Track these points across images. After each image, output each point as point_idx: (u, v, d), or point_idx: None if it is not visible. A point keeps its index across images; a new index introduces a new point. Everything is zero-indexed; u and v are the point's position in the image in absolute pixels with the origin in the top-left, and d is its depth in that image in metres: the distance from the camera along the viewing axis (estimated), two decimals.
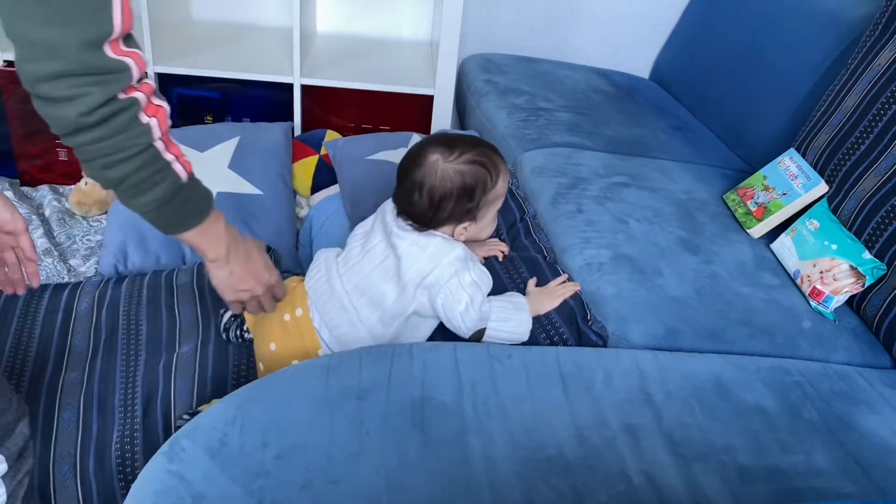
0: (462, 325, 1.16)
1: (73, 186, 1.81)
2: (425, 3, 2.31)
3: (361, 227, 1.27)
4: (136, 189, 0.83)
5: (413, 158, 1.17)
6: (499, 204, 1.23)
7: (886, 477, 1.00)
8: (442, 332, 1.23)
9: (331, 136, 1.97)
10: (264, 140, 1.84)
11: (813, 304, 1.35)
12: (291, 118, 2.09)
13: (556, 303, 1.26)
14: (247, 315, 1.26)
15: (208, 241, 0.95)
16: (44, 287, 1.41)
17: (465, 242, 1.21)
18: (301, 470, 0.88)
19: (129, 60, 0.76)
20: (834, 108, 1.52)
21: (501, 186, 1.20)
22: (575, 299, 1.30)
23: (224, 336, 1.29)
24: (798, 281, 1.40)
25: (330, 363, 1.06)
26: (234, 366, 1.24)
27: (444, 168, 1.15)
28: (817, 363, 1.23)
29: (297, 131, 2.11)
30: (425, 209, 1.16)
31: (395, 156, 1.79)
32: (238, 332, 1.28)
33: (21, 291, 1.01)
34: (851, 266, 1.32)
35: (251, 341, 1.27)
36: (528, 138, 1.84)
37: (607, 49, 2.44)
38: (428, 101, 2.08)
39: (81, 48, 0.72)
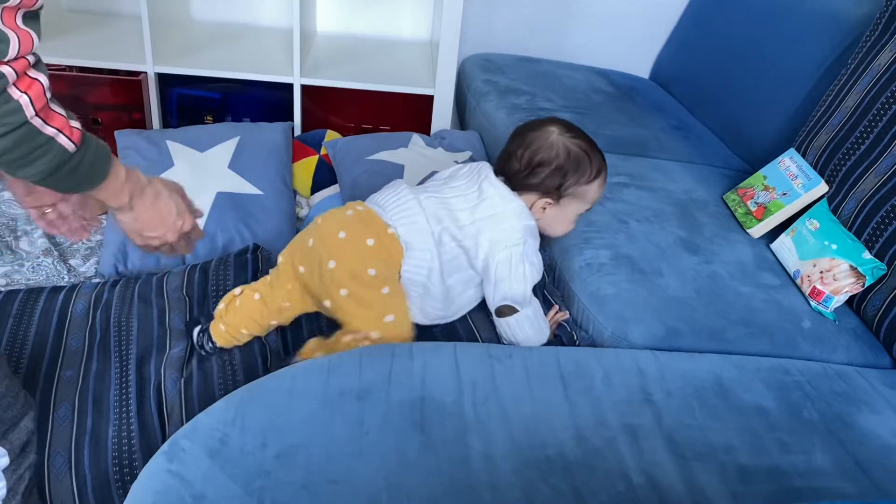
0: (512, 289, 1.20)
1: None
2: (425, 3, 2.31)
3: (444, 174, 1.32)
4: (16, 164, 0.78)
5: (531, 124, 1.25)
6: (584, 206, 1.28)
7: (886, 477, 1.00)
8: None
9: (331, 136, 1.97)
10: (264, 140, 1.84)
11: (813, 304, 1.36)
12: (291, 118, 2.09)
13: (548, 335, 1.28)
14: (221, 316, 1.26)
15: (107, 195, 0.91)
16: (40, 290, 1.41)
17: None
18: (301, 470, 0.88)
19: (12, 34, 0.70)
20: (834, 108, 1.52)
21: (595, 190, 1.26)
22: (561, 329, 1.32)
23: (199, 349, 1.27)
24: (798, 281, 1.40)
25: (330, 363, 1.06)
26: (217, 360, 1.25)
27: (556, 138, 1.23)
28: (817, 363, 1.23)
29: (297, 131, 2.11)
30: (520, 168, 1.23)
31: (395, 156, 1.79)
32: (210, 345, 1.26)
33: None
34: (851, 266, 1.32)
35: (218, 349, 1.26)
36: None
37: (607, 49, 2.44)
38: (428, 101, 2.08)
39: None
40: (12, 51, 0.71)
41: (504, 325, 1.24)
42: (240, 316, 1.26)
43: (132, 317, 1.34)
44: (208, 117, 2.15)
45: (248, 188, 1.70)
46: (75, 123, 0.80)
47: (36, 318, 1.34)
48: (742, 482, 0.95)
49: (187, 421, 1.14)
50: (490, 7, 2.36)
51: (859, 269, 1.31)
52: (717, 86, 2.07)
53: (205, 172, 1.71)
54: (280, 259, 1.28)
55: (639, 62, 2.45)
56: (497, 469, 0.91)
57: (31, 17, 0.73)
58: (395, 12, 2.34)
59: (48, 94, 0.77)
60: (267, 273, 1.34)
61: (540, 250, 1.36)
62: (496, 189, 1.23)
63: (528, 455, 0.94)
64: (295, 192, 1.87)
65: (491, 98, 2.04)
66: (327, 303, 1.21)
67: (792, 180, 1.51)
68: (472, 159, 1.86)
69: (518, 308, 1.22)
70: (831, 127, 1.51)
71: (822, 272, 1.35)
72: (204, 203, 1.65)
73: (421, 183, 1.30)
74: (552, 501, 0.88)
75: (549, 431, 0.98)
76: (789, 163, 1.55)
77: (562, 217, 1.28)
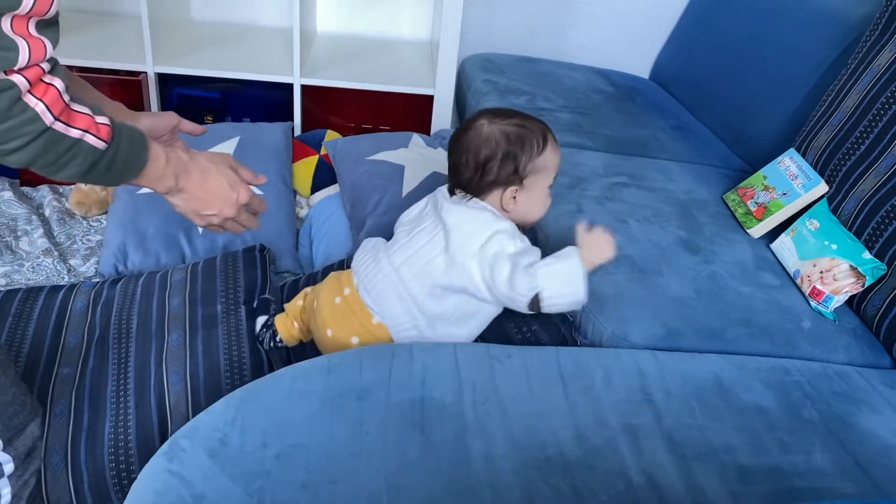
0: (512, 293, 1.12)
1: (72, 186, 1.82)
2: (425, 3, 2.31)
3: (407, 216, 1.29)
4: (50, 169, 0.78)
5: (462, 127, 1.21)
6: (549, 178, 1.21)
7: (886, 477, 1.00)
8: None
9: (331, 136, 1.97)
10: (264, 140, 1.84)
11: (813, 304, 1.35)
12: (291, 118, 2.10)
13: (612, 251, 1.17)
14: (298, 314, 1.27)
15: (150, 181, 0.90)
16: (40, 289, 1.41)
17: (519, 225, 1.20)
18: (301, 470, 0.88)
19: (22, 42, 0.69)
20: (834, 108, 1.52)
21: (551, 157, 1.20)
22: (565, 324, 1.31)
23: (259, 345, 1.28)
24: (798, 281, 1.40)
25: (330, 363, 1.06)
26: (224, 354, 1.25)
27: (488, 129, 1.17)
28: (817, 363, 1.23)
29: (297, 131, 2.11)
30: (471, 174, 1.18)
31: (395, 156, 1.79)
32: (272, 342, 1.27)
33: None
34: (851, 266, 1.32)
35: (286, 348, 1.28)
36: None
37: (607, 49, 2.44)
38: (428, 101, 2.08)
39: None
40: (22, 59, 0.70)
41: (548, 310, 1.16)
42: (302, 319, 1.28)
43: (133, 313, 1.34)
44: (208, 117, 2.15)
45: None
46: (102, 119, 0.80)
47: (35, 316, 1.34)
48: (742, 482, 0.95)
49: (193, 412, 1.14)
50: (490, 7, 2.36)
51: (859, 269, 1.31)
52: (717, 86, 2.07)
53: None
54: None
55: (639, 62, 2.45)
56: (497, 469, 0.91)
57: (46, 25, 0.72)
58: (395, 12, 2.34)
59: (65, 98, 0.76)
60: (270, 272, 1.35)
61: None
62: (456, 212, 1.18)
63: (528, 455, 0.94)
64: (295, 192, 1.87)
65: (491, 98, 2.04)
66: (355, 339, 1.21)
67: (792, 180, 1.51)
68: None
69: (536, 292, 1.14)
70: (831, 127, 1.51)
71: (822, 272, 1.35)
72: None
73: (392, 237, 1.27)
74: (552, 501, 0.88)
75: (549, 431, 0.98)
76: (789, 163, 1.55)
77: (533, 199, 1.21)
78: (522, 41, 2.42)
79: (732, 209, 1.61)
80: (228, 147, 1.78)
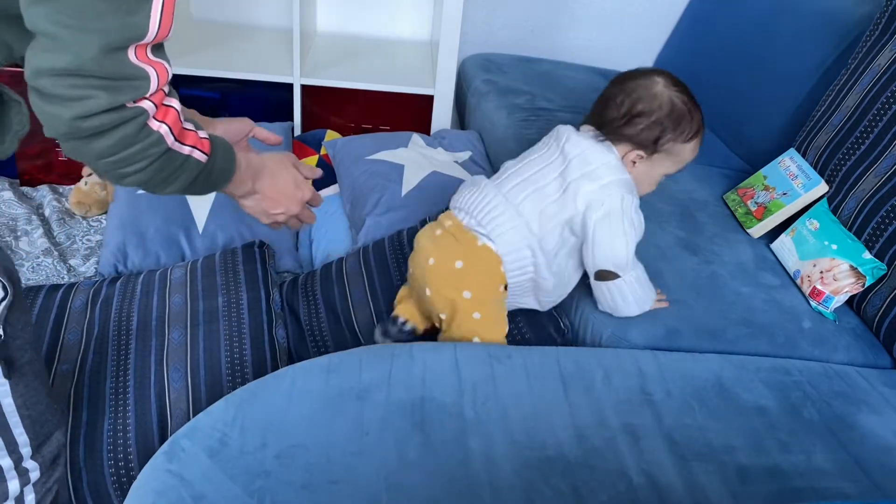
0: (613, 250, 1.14)
1: (72, 186, 1.82)
2: (425, 3, 2.31)
3: (520, 157, 1.26)
4: (160, 186, 0.81)
5: (636, 73, 1.19)
6: (673, 167, 1.22)
7: (886, 477, 1.00)
8: None
9: (331, 136, 1.97)
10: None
11: (813, 304, 1.35)
12: (291, 118, 2.09)
13: (651, 304, 1.24)
14: (409, 294, 1.28)
15: (234, 186, 0.94)
16: (39, 288, 1.41)
17: None
18: (301, 470, 0.88)
19: (150, 70, 0.71)
20: (834, 108, 1.52)
21: (689, 151, 1.20)
22: (545, 312, 1.31)
23: (387, 338, 1.28)
24: (798, 281, 1.40)
25: (330, 363, 1.06)
26: (225, 351, 1.25)
27: (660, 89, 1.16)
28: (817, 363, 1.23)
29: (297, 131, 2.11)
30: (617, 117, 1.16)
31: (395, 155, 1.79)
32: (401, 331, 1.26)
33: None
34: (851, 266, 1.32)
35: (412, 331, 1.27)
36: (527, 138, 1.84)
37: (607, 49, 2.44)
38: (428, 101, 2.08)
39: (103, 49, 0.66)
40: (153, 85, 0.72)
41: (604, 290, 1.19)
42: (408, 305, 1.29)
43: (133, 311, 1.34)
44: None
45: None
46: (203, 134, 0.83)
47: (34, 314, 1.34)
48: (742, 482, 0.95)
49: (194, 409, 1.14)
50: (490, 7, 2.36)
51: (859, 269, 1.31)
52: (718, 86, 2.06)
53: None
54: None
55: (639, 62, 2.44)
56: (497, 469, 0.91)
57: (158, 48, 0.73)
58: (395, 12, 2.34)
59: (182, 118, 0.79)
60: (270, 267, 1.37)
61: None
62: (580, 147, 1.16)
63: (528, 455, 0.94)
64: None
65: (491, 98, 2.03)
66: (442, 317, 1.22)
67: (792, 180, 1.51)
68: (471, 159, 1.86)
69: (620, 273, 1.16)
70: (831, 127, 1.50)
71: (822, 272, 1.35)
72: (204, 203, 1.65)
73: (497, 171, 1.27)
74: (552, 501, 0.88)
75: (549, 431, 0.98)
76: (789, 163, 1.54)
77: (649, 175, 1.21)
78: (522, 41, 2.42)
79: (732, 209, 1.61)
80: None
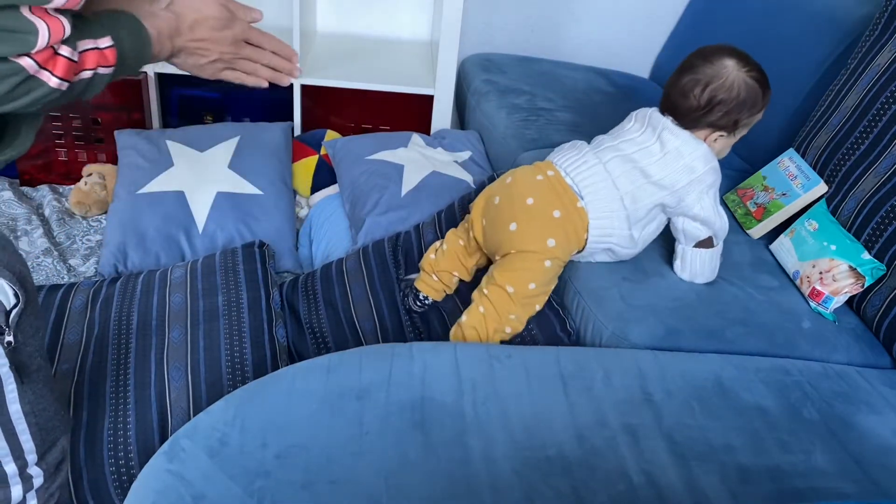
0: (718, 225, 1.27)
1: (72, 186, 1.82)
2: (425, 3, 2.31)
3: (612, 131, 1.33)
4: (76, 99, 0.78)
5: (705, 55, 1.24)
6: (746, 132, 1.30)
7: (886, 477, 1.00)
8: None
9: (331, 136, 1.97)
10: (264, 140, 1.84)
11: (812, 304, 1.35)
12: (291, 118, 2.09)
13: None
14: (435, 266, 1.35)
15: (154, 60, 0.88)
16: (39, 288, 1.41)
17: None
18: (301, 470, 0.88)
19: (41, 24, 0.67)
20: (834, 108, 1.52)
21: (760, 117, 1.28)
22: (552, 310, 1.32)
23: (405, 309, 1.35)
24: (797, 282, 1.40)
25: (330, 363, 1.06)
26: (226, 349, 1.25)
27: (736, 75, 1.22)
28: (817, 363, 1.23)
29: (297, 131, 2.10)
30: (697, 106, 1.23)
31: (395, 155, 1.79)
32: (420, 305, 1.35)
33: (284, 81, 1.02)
34: (851, 267, 1.32)
35: (431, 305, 1.36)
36: (527, 138, 1.84)
37: (607, 49, 2.44)
38: (428, 101, 2.08)
39: None
40: (40, 41, 0.67)
41: (698, 257, 1.30)
42: (449, 261, 1.36)
43: (133, 310, 1.34)
44: (208, 117, 2.14)
45: (248, 188, 1.70)
46: (105, 43, 0.77)
47: None
48: (742, 482, 0.95)
49: (194, 407, 1.14)
50: (490, 7, 2.36)
51: (858, 269, 1.31)
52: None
53: (204, 172, 1.71)
54: (471, 208, 1.36)
55: (639, 62, 2.45)
56: (497, 469, 0.91)
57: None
58: (395, 12, 2.34)
59: (74, 56, 0.73)
60: (269, 266, 1.40)
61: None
62: (679, 138, 1.25)
63: (528, 455, 0.94)
64: (295, 192, 1.87)
65: (491, 98, 2.03)
66: (497, 257, 1.28)
67: (791, 180, 1.51)
68: (471, 159, 1.86)
69: (716, 240, 1.30)
70: (831, 127, 1.50)
71: (821, 273, 1.35)
72: (204, 203, 1.66)
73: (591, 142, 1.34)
74: (552, 501, 0.89)
75: (549, 431, 0.98)
76: (788, 163, 1.54)
77: (727, 147, 1.31)
78: (522, 41, 2.42)
79: (732, 210, 1.61)
80: (228, 147, 1.78)
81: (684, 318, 1.27)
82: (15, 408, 0.85)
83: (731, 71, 1.22)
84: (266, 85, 1.01)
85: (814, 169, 1.50)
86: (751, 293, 1.35)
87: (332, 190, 1.85)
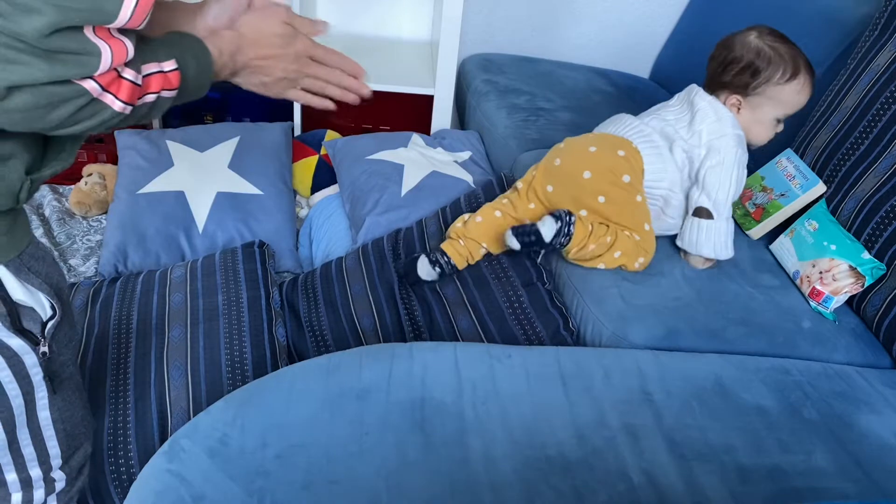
0: (715, 194, 1.32)
1: (72, 186, 1.81)
2: (425, 3, 2.31)
3: (653, 108, 1.44)
4: (139, 122, 0.76)
5: (739, 31, 1.36)
6: (778, 110, 1.36)
7: (886, 477, 1.00)
8: None
9: (331, 136, 1.97)
10: (264, 140, 1.84)
11: (812, 304, 1.35)
12: (291, 118, 2.09)
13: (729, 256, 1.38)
14: (463, 233, 1.38)
15: (216, 79, 0.85)
16: None
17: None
18: (301, 470, 0.88)
19: (104, 45, 0.65)
20: (833, 109, 1.52)
21: (790, 93, 1.34)
22: (556, 308, 1.32)
23: (437, 272, 1.36)
24: (798, 282, 1.40)
25: (330, 363, 1.06)
26: (225, 348, 1.25)
27: (752, 39, 1.34)
28: (817, 363, 1.23)
29: (297, 131, 2.11)
30: (715, 68, 1.36)
31: (395, 155, 1.79)
32: (446, 267, 1.36)
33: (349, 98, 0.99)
34: (851, 266, 1.32)
35: (447, 275, 1.38)
36: (527, 138, 1.84)
37: (607, 49, 2.44)
38: (428, 101, 2.08)
39: (53, 25, 0.60)
40: (103, 65, 0.65)
41: (695, 225, 1.35)
42: (482, 230, 1.39)
43: (133, 310, 1.34)
44: (208, 117, 2.14)
45: (248, 188, 1.71)
46: (170, 66, 0.75)
47: None
48: (742, 482, 0.95)
49: (194, 406, 1.14)
50: (490, 7, 2.36)
51: (859, 269, 1.31)
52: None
53: (205, 172, 1.71)
54: (519, 184, 1.43)
55: (639, 62, 2.45)
56: (497, 469, 0.91)
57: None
58: (395, 12, 2.34)
59: (138, 80, 0.71)
60: (269, 266, 1.40)
61: (541, 250, 1.38)
62: (706, 101, 1.35)
63: (528, 455, 0.94)
64: (295, 192, 1.87)
65: (491, 98, 2.03)
66: (583, 212, 1.33)
67: (790, 181, 1.50)
68: (471, 159, 1.86)
69: (714, 214, 1.33)
70: (830, 127, 1.50)
71: (821, 272, 1.35)
72: (204, 203, 1.66)
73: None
74: (552, 501, 0.89)
75: (549, 431, 0.98)
76: (786, 163, 1.54)
77: (757, 120, 1.36)
78: (522, 41, 2.42)
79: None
80: (228, 147, 1.78)
81: (684, 318, 1.27)
82: (45, 415, 0.86)
83: (750, 37, 1.33)
84: (333, 107, 0.99)
85: (813, 169, 1.50)
86: (751, 293, 1.35)
87: (332, 190, 1.85)
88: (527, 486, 0.90)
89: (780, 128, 1.40)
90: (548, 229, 1.28)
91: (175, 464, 0.89)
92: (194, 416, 1.02)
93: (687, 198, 1.38)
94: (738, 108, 1.36)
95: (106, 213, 1.74)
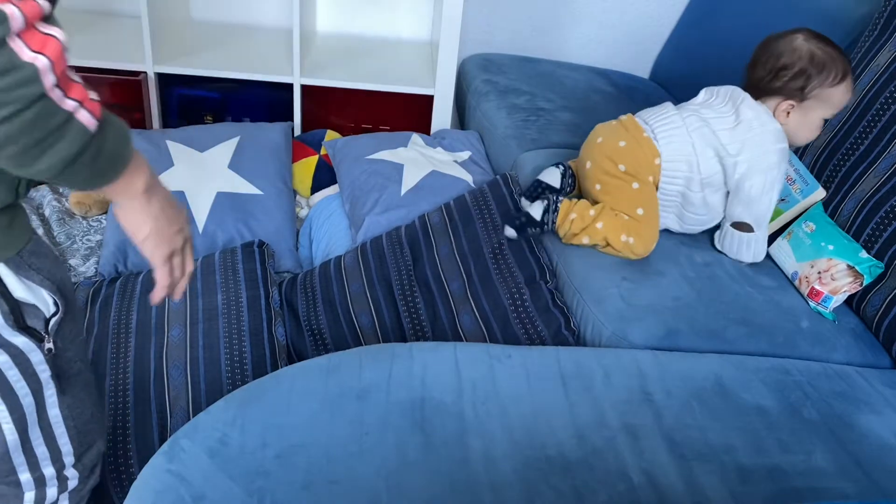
0: (759, 210, 1.34)
1: None
2: (425, 3, 2.31)
3: (695, 100, 1.43)
4: (25, 157, 0.58)
5: (780, 33, 1.35)
6: (828, 111, 1.34)
7: (886, 477, 1.00)
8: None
9: (331, 136, 1.97)
10: (264, 140, 1.84)
11: (812, 304, 1.35)
12: (291, 118, 2.09)
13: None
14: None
15: (125, 183, 0.71)
16: None
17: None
18: (301, 470, 0.88)
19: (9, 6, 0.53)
20: None
21: (839, 95, 1.32)
22: (557, 308, 1.32)
23: (540, 226, 1.39)
24: (796, 282, 1.40)
25: (330, 363, 1.06)
26: (225, 348, 1.25)
27: (800, 43, 1.32)
28: (817, 363, 1.23)
29: (297, 131, 2.11)
30: (764, 75, 1.34)
31: (395, 155, 1.79)
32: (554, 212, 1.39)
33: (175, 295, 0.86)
34: (849, 265, 1.32)
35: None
36: (528, 138, 1.84)
37: (607, 49, 2.44)
38: (428, 101, 2.08)
39: None
40: (14, 21, 0.53)
41: (736, 238, 1.38)
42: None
43: (132, 310, 1.35)
44: (208, 117, 2.14)
45: (248, 188, 1.71)
46: (93, 94, 0.62)
47: None
48: (742, 482, 0.95)
49: (193, 406, 1.14)
50: (490, 7, 2.36)
51: (857, 268, 1.31)
52: (717, 86, 2.06)
53: (205, 172, 1.71)
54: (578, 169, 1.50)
55: (639, 62, 2.45)
56: (497, 469, 0.91)
57: None
58: (394, 12, 2.34)
59: (67, 57, 0.58)
60: (269, 266, 1.43)
61: (541, 250, 1.38)
62: (754, 112, 1.33)
63: (528, 455, 0.94)
64: (295, 192, 1.87)
65: (491, 98, 2.03)
66: (589, 199, 1.40)
67: (790, 185, 1.50)
68: (471, 159, 1.86)
69: (756, 228, 1.36)
70: (830, 127, 1.50)
71: (819, 273, 1.35)
72: (204, 203, 1.65)
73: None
74: (552, 501, 0.89)
75: (549, 431, 0.98)
76: (787, 166, 1.54)
77: (806, 122, 1.35)
78: (522, 41, 2.42)
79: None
80: (228, 147, 1.78)
81: (684, 318, 1.27)
82: (55, 412, 0.85)
83: (798, 41, 1.32)
84: (171, 295, 0.86)
85: (813, 170, 1.50)
86: (750, 293, 1.35)
87: (332, 190, 1.85)
88: (527, 486, 0.90)
89: (823, 127, 1.40)
90: (536, 210, 1.38)
91: (175, 464, 0.89)
92: (194, 416, 1.02)
93: (710, 193, 1.38)
94: (788, 114, 1.35)
95: (106, 212, 1.74)
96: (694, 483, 0.94)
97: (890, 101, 1.38)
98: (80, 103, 0.60)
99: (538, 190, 1.47)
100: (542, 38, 2.43)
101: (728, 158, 1.33)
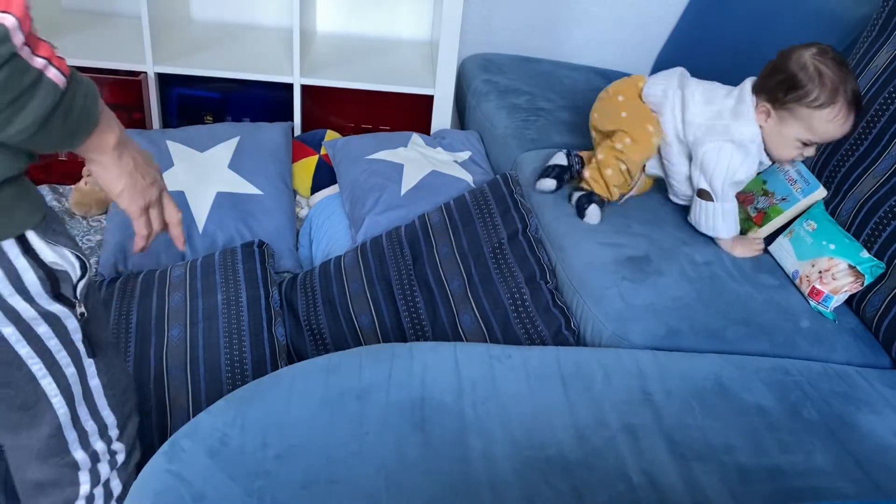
0: (712, 179, 1.38)
1: (72, 186, 1.81)
2: (425, 3, 2.31)
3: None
4: (1, 113, 0.59)
5: (808, 43, 1.34)
6: (804, 133, 1.33)
7: (886, 477, 1.00)
8: None
9: (331, 136, 1.97)
10: (264, 140, 1.84)
11: (812, 303, 1.35)
12: (291, 118, 2.09)
13: (749, 254, 1.44)
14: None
15: (97, 139, 0.73)
16: None
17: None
18: (301, 470, 0.89)
19: None
20: None
21: (820, 120, 1.30)
22: (557, 308, 1.32)
23: (570, 169, 1.55)
24: (797, 281, 1.40)
25: (330, 363, 1.06)
26: (225, 348, 1.25)
27: (804, 54, 1.31)
28: (817, 363, 1.23)
29: (297, 131, 2.11)
30: (765, 71, 1.37)
31: (395, 155, 1.79)
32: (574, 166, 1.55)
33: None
34: (850, 265, 1.32)
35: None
36: (527, 138, 1.84)
37: (607, 49, 2.44)
38: (428, 101, 2.08)
39: None
40: None
41: (699, 206, 1.43)
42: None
43: (132, 310, 1.35)
44: (208, 117, 2.14)
45: (248, 188, 1.71)
46: (59, 52, 0.63)
47: None
48: (742, 482, 0.95)
49: (193, 406, 1.14)
50: (490, 7, 2.36)
51: (858, 267, 1.31)
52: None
53: (205, 172, 1.71)
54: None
55: (639, 62, 2.45)
56: (497, 469, 0.91)
57: None
58: (395, 12, 2.34)
59: (30, 15, 0.59)
60: (269, 266, 1.44)
61: (541, 250, 1.38)
62: (746, 100, 1.37)
63: (528, 455, 0.94)
64: (295, 192, 1.87)
65: (491, 98, 2.03)
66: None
67: (791, 185, 1.50)
68: (471, 159, 1.86)
69: (713, 197, 1.39)
70: None
71: (820, 272, 1.35)
72: (204, 203, 1.66)
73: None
74: (552, 501, 0.89)
75: (549, 431, 0.98)
76: (788, 166, 1.54)
77: (779, 134, 1.36)
78: (522, 41, 2.42)
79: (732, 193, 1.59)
80: (228, 147, 1.78)
81: (684, 318, 1.27)
82: (95, 383, 0.85)
83: (806, 53, 1.30)
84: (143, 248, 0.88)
85: (813, 170, 1.50)
86: (750, 292, 1.35)
87: (332, 190, 1.85)
88: (527, 486, 0.90)
89: (810, 152, 1.37)
90: (560, 158, 1.56)
91: (175, 464, 0.89)
92: (194, 416, 1.02)
93: (674, 154, 1.46)
94: (766, 117, 1.36)
95: (106, 213, 1.74)
96: (694, 483, 0.94)
97: (889, 101, 1.38)
98: (49, 60, 0.61)
99: (550, 170, 1.56)
100: (542, 38, 2.43)
101: (699, 130, 1.39)
